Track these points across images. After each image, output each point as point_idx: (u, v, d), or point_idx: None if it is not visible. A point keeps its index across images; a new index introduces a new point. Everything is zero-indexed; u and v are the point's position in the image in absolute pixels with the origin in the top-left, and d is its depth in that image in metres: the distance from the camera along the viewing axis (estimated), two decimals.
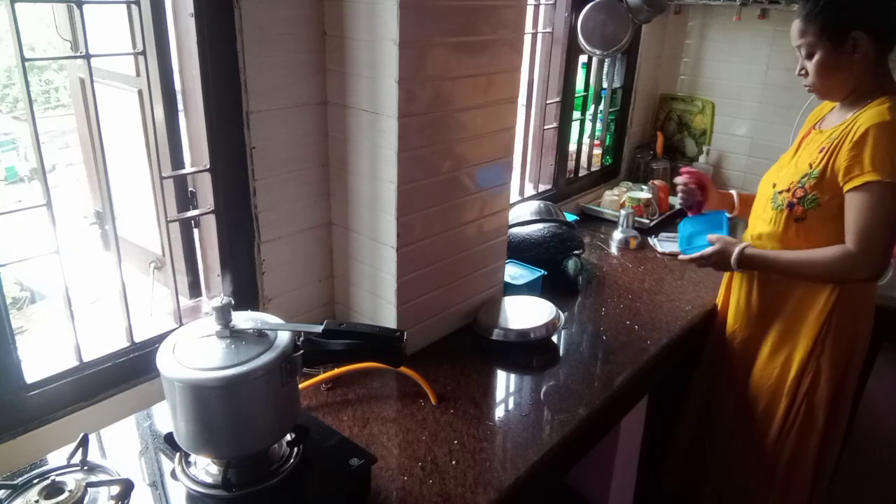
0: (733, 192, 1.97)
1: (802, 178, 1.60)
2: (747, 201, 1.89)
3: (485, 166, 1.64)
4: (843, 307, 1.64)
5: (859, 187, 1.48)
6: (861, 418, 2.08)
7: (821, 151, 1.57)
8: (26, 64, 1.13)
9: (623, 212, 2.42)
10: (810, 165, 1.59)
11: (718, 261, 1.73)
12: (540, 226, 2.11)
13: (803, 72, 1.59)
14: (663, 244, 2.37)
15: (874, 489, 2.20)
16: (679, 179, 1.94)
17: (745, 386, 1.82)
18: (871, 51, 1.50)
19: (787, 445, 1.76)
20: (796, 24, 1.56)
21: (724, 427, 1.91)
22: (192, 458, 1.11)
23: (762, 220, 1.73)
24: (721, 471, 1.93)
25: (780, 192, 1.65)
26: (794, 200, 1.61)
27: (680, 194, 1.94)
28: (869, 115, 1.48)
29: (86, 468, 1.03)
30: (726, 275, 1.90)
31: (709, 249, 1.74)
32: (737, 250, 1.68)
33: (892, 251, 1.52)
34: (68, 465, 1.03)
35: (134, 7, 1.31)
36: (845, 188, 1.51)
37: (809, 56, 1.55)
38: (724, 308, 1.90)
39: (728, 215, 1.85)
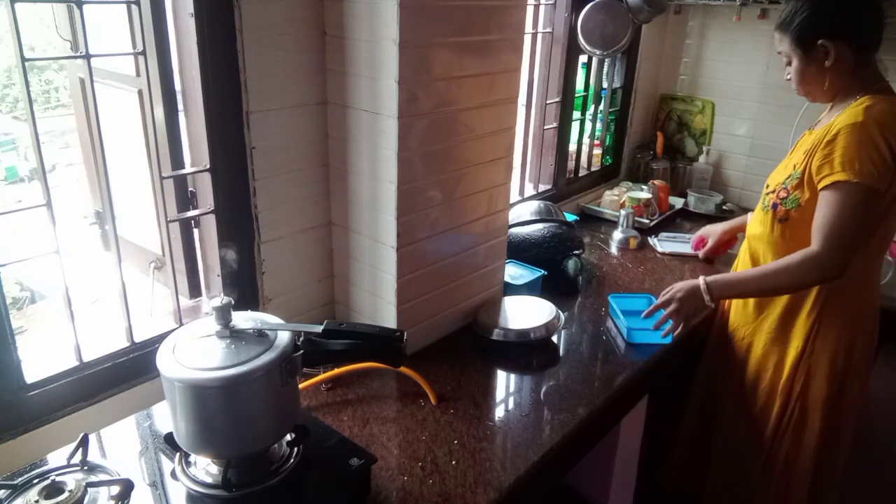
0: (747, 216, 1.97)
1: (786, 179, 1.63)
2: None
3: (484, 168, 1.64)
4: (833, 309, 1.64)
5: (829, 186, 1.49)
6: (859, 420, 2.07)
7: (805, 153, 1.59)
8: (26, 64, 1.13)
9: (623, 212, 2.41)
10: (794, 167, 1.62)
11: (688, 297, 1.66)
12: (540, 226, 2.11)
13: (788, 77, 1.65)
14: (663, 244, 2.37)
15: (876, 490, 2.20)
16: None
17: (743, 386, 1.82)
18: (846, 55, 1.52)
19: (783, 447, 1.75)
20: (774, 34, 1.62)
21: (723, 427, 1.90)
22: (192, 458, 1.11)
23: (756, 221, 1.76)
24: (720, 471, 1.93)
25: (768, 194, 1.68)
26: (778, 201, 1.64)
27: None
28: (845, 116, 1.51)
29: (86, 468, 1.03)
30: None
31: (672, 291, 1.68)
32: (702, 280, 1.65)
33: (853, 251, 1.51)
34: (68, 465, 1.03)
35: (134, 7, 1.31)
36: (818, 187, 1.52)
37: (788, 63, 1.62)
38: (726, 308, 1.90)
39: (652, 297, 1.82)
